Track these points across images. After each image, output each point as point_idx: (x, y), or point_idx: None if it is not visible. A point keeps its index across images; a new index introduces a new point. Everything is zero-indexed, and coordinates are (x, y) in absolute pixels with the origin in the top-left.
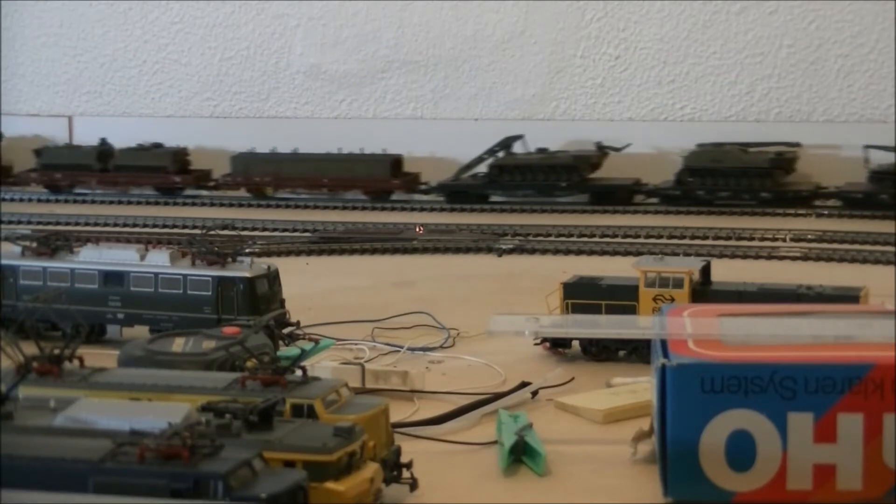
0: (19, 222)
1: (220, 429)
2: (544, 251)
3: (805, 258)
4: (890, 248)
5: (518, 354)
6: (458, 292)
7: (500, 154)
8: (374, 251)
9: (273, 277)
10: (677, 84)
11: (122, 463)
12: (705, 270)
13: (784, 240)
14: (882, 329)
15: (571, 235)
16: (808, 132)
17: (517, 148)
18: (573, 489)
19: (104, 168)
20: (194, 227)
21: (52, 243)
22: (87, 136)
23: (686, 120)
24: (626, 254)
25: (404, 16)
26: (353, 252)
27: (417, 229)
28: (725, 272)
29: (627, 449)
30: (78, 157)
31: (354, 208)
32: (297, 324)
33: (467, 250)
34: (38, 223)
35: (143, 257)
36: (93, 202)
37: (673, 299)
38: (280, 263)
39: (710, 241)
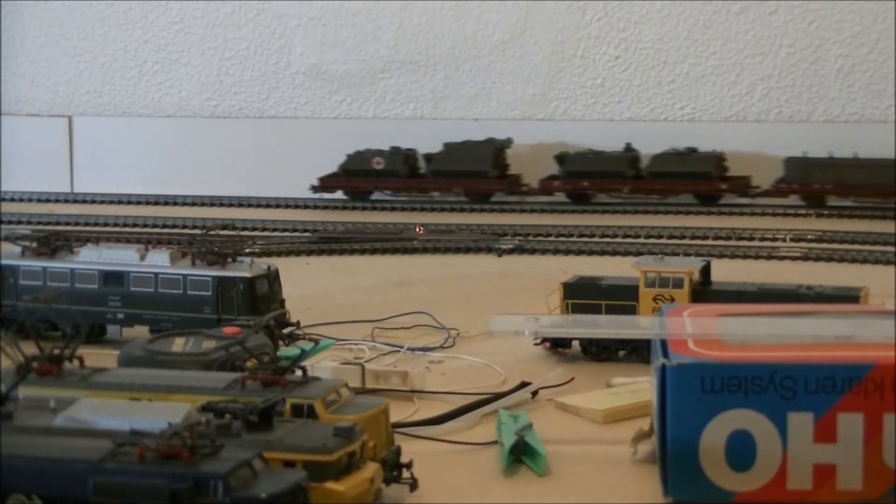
0: (19, 222)
1: (220, 429)
2: (544, 251)
3: (805, 258)
4: (890, 248)
5: (518, 354)
6: (458, 292)
7: None
8: (374, 251)
9: (273, 277)
10: (677, 84)
11: (122, 463)
12: (705, 270)
13: (784, 240)
14: (882, 329)
15: (571, 235)
16: (807, 132)
17: None
18: (573, 489)
19: (637, 175)
20: (194, 227)
21: (52, 243)
22: (87, 135)
23: (686, 120)
24: (626, 254)
25: (404, 16)
26: (353, 252)
27: (417, 229)
28: (725, 272)
29: (627, 449)
30: (607, 163)
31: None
32: (297, 324)
33: (467, 250)
34: (38, 223)
35: (143, 257)
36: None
37: (673, 299)
38: (280, 263)
39: (710, 241)
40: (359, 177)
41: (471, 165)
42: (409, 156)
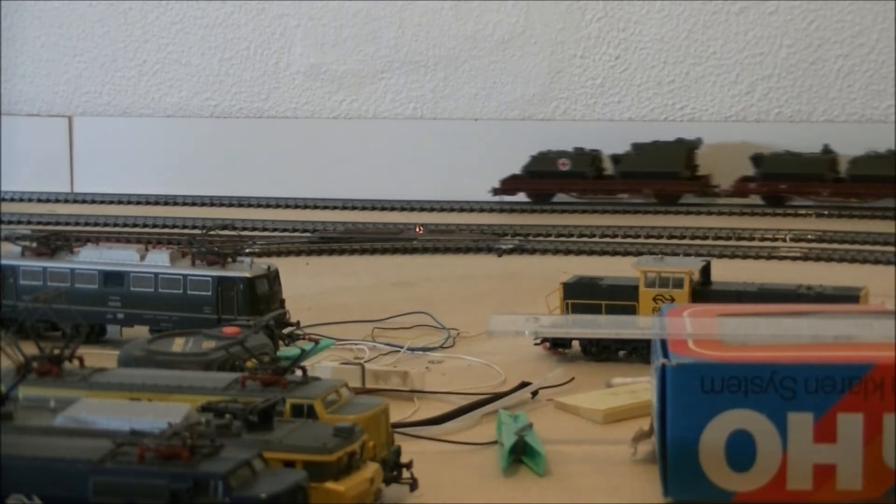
0: (19, 222)
1: (220, 429)
2: (544, 251)
3: (805, 258)
4: (890, 248)
5: (518, 354)
6: (458, 292)
7: None
8: (374, 251)
9: (273, 277)
10: (677, 84)
11: (122, 463)
12: (705, 270)
13: (784, 240)
14: (882, 329)
15: (571, 235)
16: (807, 132)
17: None
18: (573, 489)
19: (837, 178)
20: (194, 227)
21: (52, 243)
22: (87, 135)
23: (686, 120)
24: (626, 254)
25: (404, 16)
26: (353, 252)
27: (417, 229)
28: (725, 272)
29: (627, 449)
30: (805, 165)
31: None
32: (297, 324)
33: (467, 250)
34: (38, 223)
35: (143, 257)
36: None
37: (673, 299)
38: (280, 263)
39: (710, 241)
40: (543, 178)
41: (661, 166)
42: (594, 157)
